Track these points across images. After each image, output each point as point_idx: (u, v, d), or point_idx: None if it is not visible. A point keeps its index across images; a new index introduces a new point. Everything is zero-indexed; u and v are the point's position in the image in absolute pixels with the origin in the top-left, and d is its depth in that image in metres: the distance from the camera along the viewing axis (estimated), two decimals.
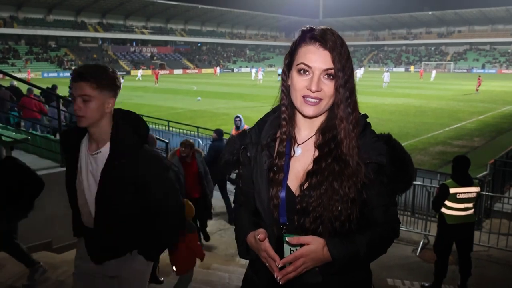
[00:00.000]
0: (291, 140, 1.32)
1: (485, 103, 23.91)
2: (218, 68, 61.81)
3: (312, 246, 1.19)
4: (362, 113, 1.31)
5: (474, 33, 78.10)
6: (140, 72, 48.83)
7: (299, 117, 1.33)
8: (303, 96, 1.22)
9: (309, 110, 1.23)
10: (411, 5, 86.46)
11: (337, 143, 1.24)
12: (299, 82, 1.23)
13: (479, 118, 18.60)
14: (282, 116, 1.33)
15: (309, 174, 1.25)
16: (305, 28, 1.27)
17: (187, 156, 5.45)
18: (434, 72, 49.03)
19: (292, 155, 1.31)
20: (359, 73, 46.05)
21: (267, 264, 1.25)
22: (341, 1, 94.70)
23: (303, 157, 1.30)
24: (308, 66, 1.21)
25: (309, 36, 1.23)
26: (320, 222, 1.22)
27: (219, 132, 7.48)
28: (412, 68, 71.39)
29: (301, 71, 1.23)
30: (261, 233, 1.26)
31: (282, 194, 1.27)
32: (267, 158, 1.32)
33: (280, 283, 1.20)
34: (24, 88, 11.51)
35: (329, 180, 1.22)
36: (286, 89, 1.31)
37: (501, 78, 49.75)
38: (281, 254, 1.26)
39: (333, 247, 1.20)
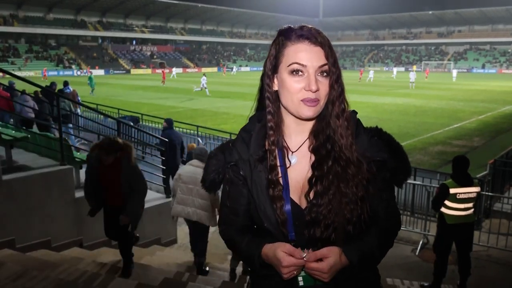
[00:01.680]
0: (282, 150, 1.24)
1: (485, 103, 23.91)
2: (234, 68, 61.68)
3: (331, 259, 1.13)
4: (352, 109, 1.27)
5: (474, 33, 78.04)
6: (174, 70, 50.04)
7: (289, 122, 1.25)
8: (302, 100, 1.16)
9: (309, 112, 1.16)
10: (411, 5, 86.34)
11: (333, 143, 1.20)
12: (293, 84, 1.16)
13: (479, 118, 18.60)
14: (269, 125, 1.22)
15: (313, 182, 1.19)
16: (283, 28, 1.21)
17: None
18: (455, 72, 46.03)
19: (288, 166, 1.23)
20: (371, 73, 43.35)
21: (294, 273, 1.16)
22: (341, 1, 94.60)
23: (299, 165, 1.23)
24: (302, 65, 1.15)
25: (296, 34, 1.17)
26: (332, 229, 1.17)
27: (169, 121, 8.44)
28: (414, 67, 67.26)
29: (294, 72, 1.16)
30: (293, 250, 1.16)
31: (288, 208, 1.20)
32: (264, 173, 1.23)
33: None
34: (22, 86, 11.50)
35: (335, 183, 1.17)
36: (271, 95, 1.22)
37: (501, 78, 49.76)
38: None
39: (350, 253, 1.16)
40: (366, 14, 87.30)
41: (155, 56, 69.74)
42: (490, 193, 6.94)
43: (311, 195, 1.19)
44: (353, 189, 1.17)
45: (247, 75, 53.79)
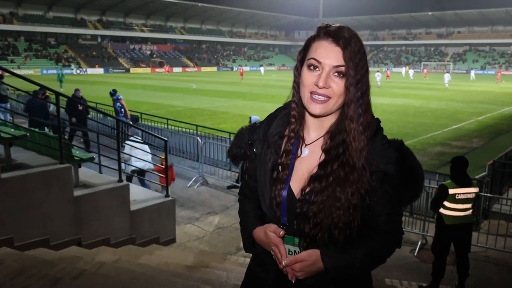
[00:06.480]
0: (299, 139, 1.29)
1: (485, 104, 23.93)
2: (262, 68, 60.30)
3: (307, 263, 1.19)
4: (375, 116, 1.26)
5: (473, 34, 78.13)
6: (262, 69, 56.39)
7: (308, 116, 1.28)
8: (311, 93, 1.19)
9: (315, 108, 1.19)
10: (411, 6, 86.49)
11: (346, 147, 1.20)
12: (307, 78, 1.19)
13: (478, 119, 18.61)
14: (291, 113, 1.29)
15: (313, 179, 1.22)
16: (321, 24, 1.24)
17: None
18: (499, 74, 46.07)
19: (298, 155, 1.28)
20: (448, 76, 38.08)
21: (274, 258, 1.28)
22: (341, 1, 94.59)
23: (309, 159, 1.26)
24: (318, 62, 1.18)
25: (324, 31, 1.20)
26: (320, 228, 1.20)
27: (35, 92, 9.78)
28: (425, 69, 60.76)
29: (311, 67, 1.19)
30: (276, 228, 1.28)
31: (284, 193, 1.25)
32: (272, 156, 1.30)
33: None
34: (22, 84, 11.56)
35: (332, 186, 1.19)
36: (297, 86, 1.26)
37: (501, 79, 49.73)
38: None
39: (328, 258, 1.18)
40: (366, 14, 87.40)
41: (154, 55, 69.69)
42: (489, 194, 6.94)
43: (307, 190, 1.21)
44: (348, 196, 1.17)
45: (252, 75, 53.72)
